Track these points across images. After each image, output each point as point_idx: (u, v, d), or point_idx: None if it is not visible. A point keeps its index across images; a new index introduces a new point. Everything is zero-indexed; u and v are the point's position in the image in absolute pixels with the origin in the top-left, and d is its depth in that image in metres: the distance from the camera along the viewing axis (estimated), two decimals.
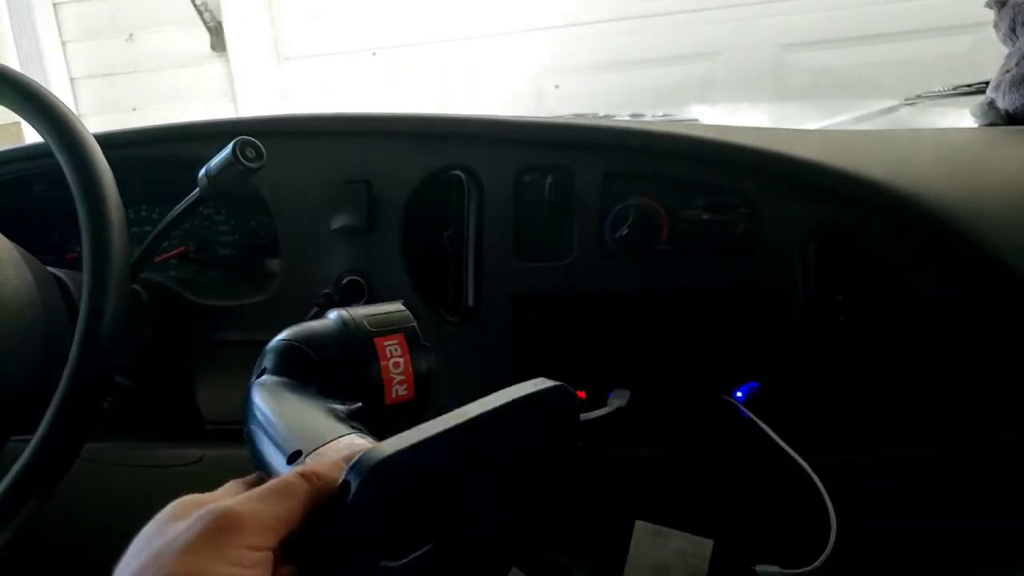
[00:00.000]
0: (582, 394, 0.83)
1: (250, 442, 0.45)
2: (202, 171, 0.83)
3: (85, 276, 0.69)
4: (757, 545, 0.77)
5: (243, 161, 0.80)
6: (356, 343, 0.51)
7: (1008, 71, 0.96)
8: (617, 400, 0.81)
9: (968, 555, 0.75)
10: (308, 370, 0.50)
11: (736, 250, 0.78)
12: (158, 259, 1.01)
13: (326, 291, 0.86)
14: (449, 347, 0.85)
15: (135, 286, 0.92)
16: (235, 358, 0.96)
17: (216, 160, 0.81)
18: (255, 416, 0.46)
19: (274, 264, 1.00)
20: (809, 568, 0.72)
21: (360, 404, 0.48)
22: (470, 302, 0.84)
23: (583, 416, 0.79)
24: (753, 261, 0.77)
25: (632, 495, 0.81)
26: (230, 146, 0.80)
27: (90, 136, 0.72)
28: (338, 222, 0.88)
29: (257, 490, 0.35)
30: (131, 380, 0.91)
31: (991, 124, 0.97)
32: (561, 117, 0.86)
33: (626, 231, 0.80)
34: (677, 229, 0.80)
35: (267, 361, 0.50)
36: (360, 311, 0.54)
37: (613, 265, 0.81)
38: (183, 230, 1.05)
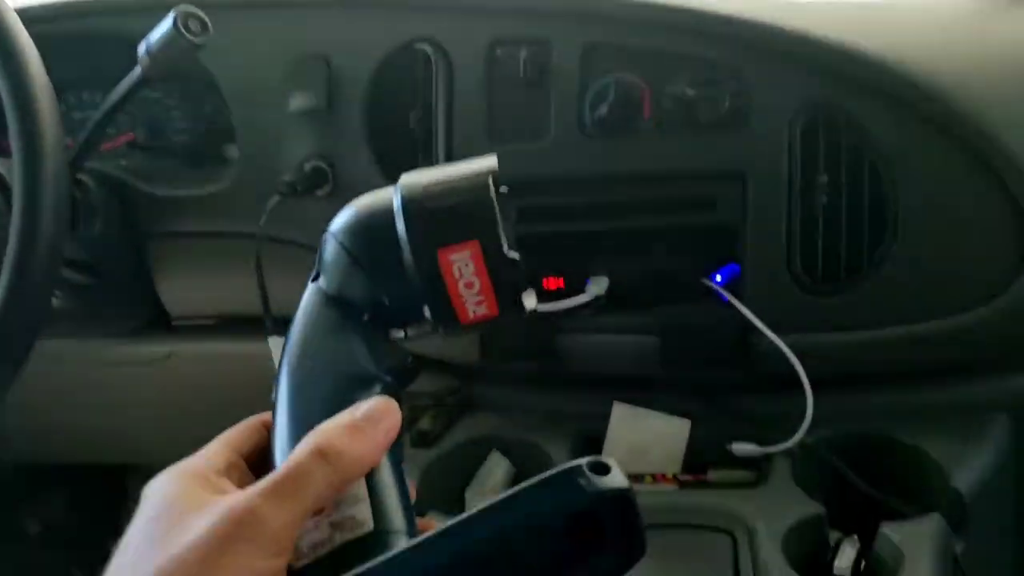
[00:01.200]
0: (560, 281, 0.81)
1: (277, 375, 0.39)
2: (142, 47, 0.76)
3: (16, 170, 0.64)
4: (735, 425, 0.77)
5: (185, 34, 0.73)
6: (417, 256, 0.38)
7: None
8: (595, 287, 0.78)
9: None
10: (362, 289, 0.40)
11: (722, 128, 0.74)
12: (104, 147, 0.95)
13: (286, 179, 0.81)
14: None
15: (81, 176, 0.86)
16: (197, 250, 0.92)
17: (156, 35, 0.75)
18: (288, 346, 0.40)
19: (232, 150, 0.95)
20: (783, 445, 0.73)
21: (410, 358, 0.42)
22: None
23: (559, 304, 0.77)
24: (740, 140, 0.74)
25: (611, 379, 0.81)
26: (170, 17, 0.73)
27: (9, 9, 0.66)
28: (296, 103, 0.82)
29: (272, 482, 0.31)
30: (85, 276, 0.86)
31: None
32: None
33: (606, 109, 0.75)
34: (660, 106, 0.76)
35: (320, 262, 0.42)
36: (425, 182, 0.40)
37: (593, 146, 0.76)
38: (131, 115, 0.98)
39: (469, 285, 0.38)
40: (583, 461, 0.29)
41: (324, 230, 0.43)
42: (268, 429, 0.38)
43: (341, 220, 0.42)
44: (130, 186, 0.90)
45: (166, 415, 1.04)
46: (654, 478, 0.77)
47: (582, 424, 0.79)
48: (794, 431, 0.72)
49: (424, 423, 0.80)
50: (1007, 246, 0.71)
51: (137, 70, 0.78)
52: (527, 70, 0.77)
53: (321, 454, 0.32)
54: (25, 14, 0.71)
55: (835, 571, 0.65)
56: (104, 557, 0.32)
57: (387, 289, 0.40)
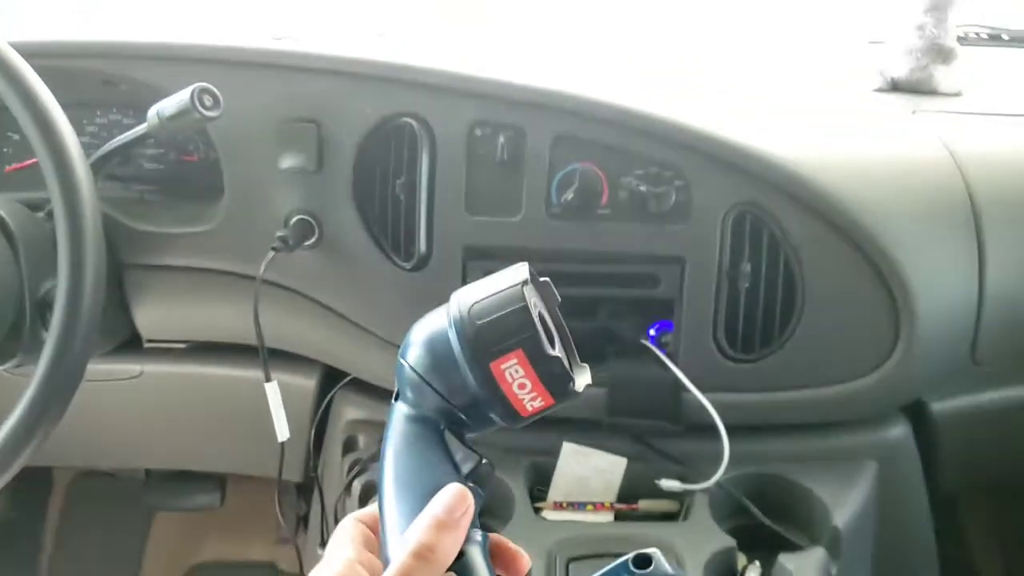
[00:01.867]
0: None
1: (379, 485, 0.47)
2: (153, 110, 0.83)
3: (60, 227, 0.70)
4: (663, 465, 0.92)
5: (200, 109, 0.80)
6: (473, 371, 0.44)
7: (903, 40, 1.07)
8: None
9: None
10: (435, 403, 0.46)
11: (667, 219, 0.88)
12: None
13: (281, 234, 0.89)
14: (399, 292, 0.92)
15: None
16: (177, 282, 0.99)
17: (171, 103, 0.81)
18: (383, 460, 0.47)
19: (204, 183, 1.00)
20: (703, 485, 0.88)
21: (484, 461, 0.46)
22: (422, 250, 0.90)
23: None
24: (682, 230, 0.87)
25: (562, 420, 0.93)
26: (188, 92, 0.80)
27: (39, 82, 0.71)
28: (287, 162, 0.90)
29: (395, 570, 0.40)
30: None
31: (880, 90, 1.10)
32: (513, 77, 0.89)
33: (571, 195, 0.87)
34: (617, 196, 0.88)
35: (398, 384, 0.48)
36: (469, 302, 0.46)
37: (558, 225, 0.89)
38: (98, 141, 1.03)
39: (522, 386, 0.44)
40: (629, 558, 0.40)
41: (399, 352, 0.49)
42: (368, 525, 0.47)
43: (408, 346, 0.48)
44: (112, 219, 0.96)
45: (136, 427, 1.11)
46: (594, 506, 0.91)
47: (536, 459, 0.92)
48: (712, 471, 0.87)
49: None
50: (885, 329, 0.88)
51: (143, 128, 0.84)
52: (503, 152, 0.88)
53: (418, 554, 0.41)
54: (22, 48, 0.75)
55: None
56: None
57: (456, 401, 0.46)
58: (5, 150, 1.04)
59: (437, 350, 0.46)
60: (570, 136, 0.88)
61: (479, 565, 0.44)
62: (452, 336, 0.45)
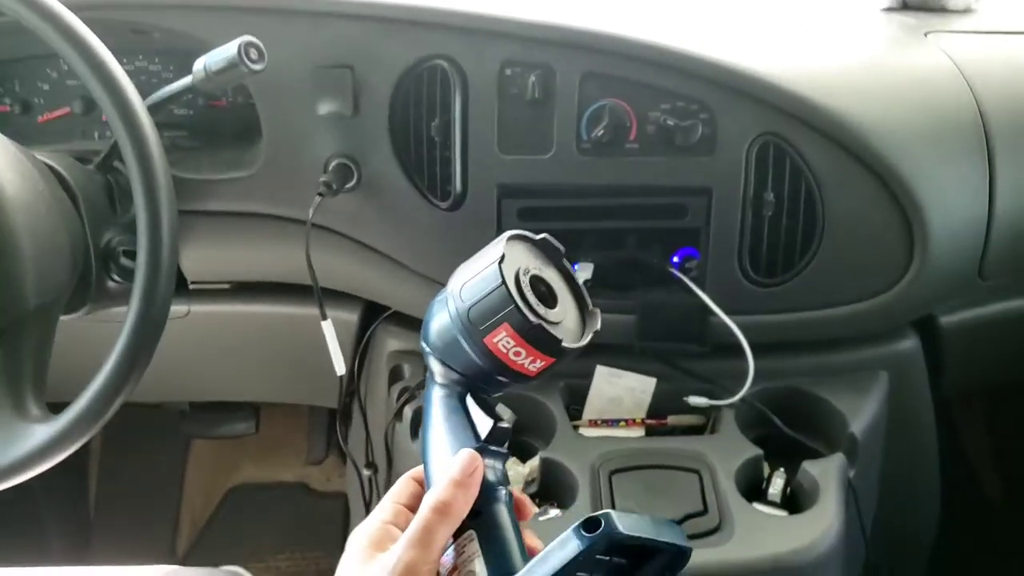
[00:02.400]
0: None
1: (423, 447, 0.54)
2: (199, 64, 0.85)
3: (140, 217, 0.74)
4: (691, 383, 0.98)
5: (247, 63, 0.83)
6: (472, 349, 0.50)
7: None
8: (583, 273, 0.96)
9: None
10: (454, 376, 0.53)
11: (694, 152, 0.92)
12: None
13: (324, 179, 0.92)
14: (437, 231, 0.96)
15: (116, 163, 0.94)
16: (219, 227, 1.03)
17: (217, 57, 0.83)
18: (423, 428, 0.54)
19: (238, 128, 1.03)
20: (729, 400, 0.95)
21: (499, 424, 0.52)
22: (458, 189, 0.94)
23: None
24: (708, 162, 0.92)
25: (595, 346, 0.99)
26: (235, 45, 0.82)
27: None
28: (324, 108, 0.93)
29: (412, 533, 0.47)
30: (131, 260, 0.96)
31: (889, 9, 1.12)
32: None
33: (601, 131, 0.91)
34: (645, 131, 0.92)
35: (427, 364, 0.55)
36: (459, 288, 0.51)
37: (588, 161, 0.92)
38: None
39: (518, 354, 0.50)
40: (578, 523, 0.45)
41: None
42: (416, 480, 0.54)
43: (426, 331, 0.54)
44: None
45: (181, 364, 1.16)
46: (626, 423, 0.98)
47: (571, 381, 0.99)
48: (737, 388, 0.93)
49: None
50: (899, 250, 0.93)
51: (188, 79, 0.87)
52: (534, 91, 0.91)
53: (437, 509, 0.48)
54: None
55: (768, 497, 0.88)
56: None
57: (470, 373, 0.52)
58: (37, 100, 1.06)
59: (443, 334, 0.52)
60: (598, 73, 0.91)
61: (500, 517, 0.51)
62: (450, 320, 0.51)
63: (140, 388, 1.27)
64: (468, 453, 0.50)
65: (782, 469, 0.91)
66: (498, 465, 0.52)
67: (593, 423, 0.98)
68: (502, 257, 0.50)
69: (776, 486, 0.89)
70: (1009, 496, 1.50)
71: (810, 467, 0.88)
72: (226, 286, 1.09)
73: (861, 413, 0.94)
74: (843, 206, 0.92)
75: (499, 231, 0.95)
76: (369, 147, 0.95)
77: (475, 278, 0.51)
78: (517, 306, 0.49)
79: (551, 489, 0.90)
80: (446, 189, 0.95)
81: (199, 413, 1.57)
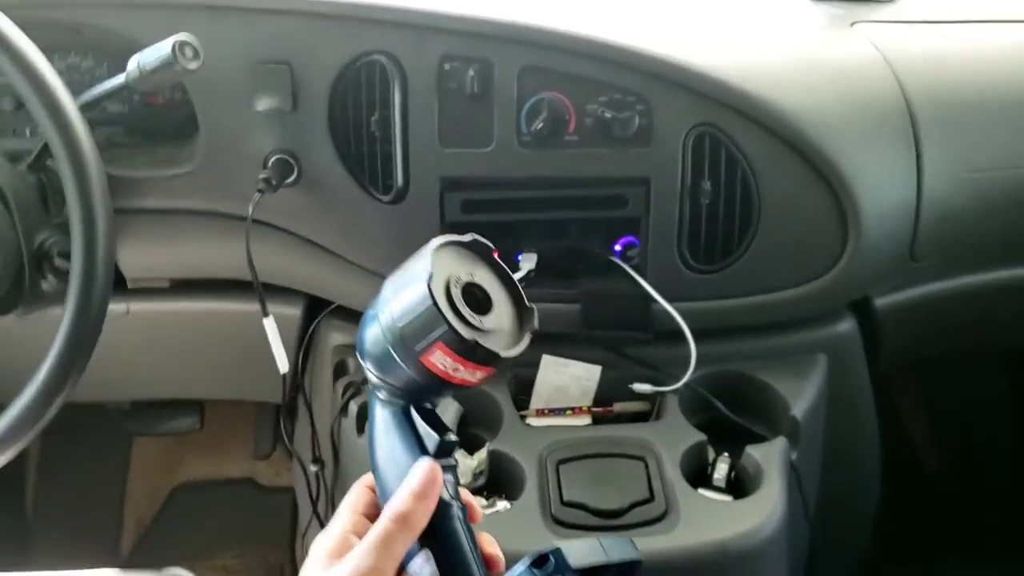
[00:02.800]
0: (496, 254, 0.98)
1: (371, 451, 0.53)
2: (133, 63, 0.83)
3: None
4: (635, 370, 1.00)
5: (181, 62, 0.81)
6: (409, 367, 0.49)
7: None
8: (527, 263, 0.97)
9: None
10: (395, 392, 0.52)
11: (632, 143, 0.93)
12: None
13: (264, 175, 0.91)
14: (379, 224, 0.96)
15: (48, 162, 0.92)
16: (157, 224, 1.01)
17: (151, 56, 0.82)
18: (369, 442, 0.53)
19: (175, 124, 1.02)
20: (673, 386, 0.96)
21: (444, 438, 0.51)
22: (400, 183, 0.94)
23: None
24: (646, 153, 0.93)
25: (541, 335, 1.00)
26: (169, 44, 0.81)
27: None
28: (262, 104, 0.92)
29: (370, 542, 0.47)
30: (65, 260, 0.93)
31: None
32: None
33: (540, 124, 0.91)
34: (583, 123, 0.93)
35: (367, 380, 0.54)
36: (392, 309, 0.50)
37: (528, 153, 0.93)
38: None
39: (456, 369, 0.48)
40: (528, 559, 0.46)
41: None
42: (373, 489, 0.53)
43: (361, 350, 0.52)
44: None
45: (122, 362, 1.14)
46: (572, 411, 0.99)
47: (517, 371, 0.99)
48: (681, 373, 0.95)
49: None
50: (834, 235, 0.96)
51: (121, 78, 0.85)
52: (473, 85, 0.91)
53: (396, 520, 0.48)
54: None
55: (713, 483, 0.90)
56: None
57: (410, 389, 0.51)
58: None
59: (379, 353, 0.51)
60: (537, 67, 0.92)
61: (456, 536, 0.50)
62: (383, 337, 0.50)
63: (80, 388, 1.24)
64: (428, 464, 0.50)
65: (726, 454, 0.92)
66: (449, 479, 0.51)
67: (540, 412, 0.99)
68: (430, 276, 0.48)
69: (721, 471, 0.91)
70: (945, 465, 1.55)
71: (753, 451, 0.90)
72: (166, 284, 1.07)
73: (802, 396, 0.97)
74: (778, 193, 0.94)
75: (442, 223, 0.95)
76: (309, 142, 0.94)
77: (404, 295, 0.49)
78: (451, 326, 0.47)
79: (500, 481, 0.91)
80: (388, 183, 0.94)
81: (142, 411, 1.54)
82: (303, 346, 1.11)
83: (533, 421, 0.98)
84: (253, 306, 0.97)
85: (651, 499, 0.84)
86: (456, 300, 0.49)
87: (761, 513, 0.83)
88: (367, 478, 0.54)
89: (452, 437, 0.51)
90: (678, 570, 0.80)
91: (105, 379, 1.19)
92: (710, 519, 0.83)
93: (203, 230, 1.01)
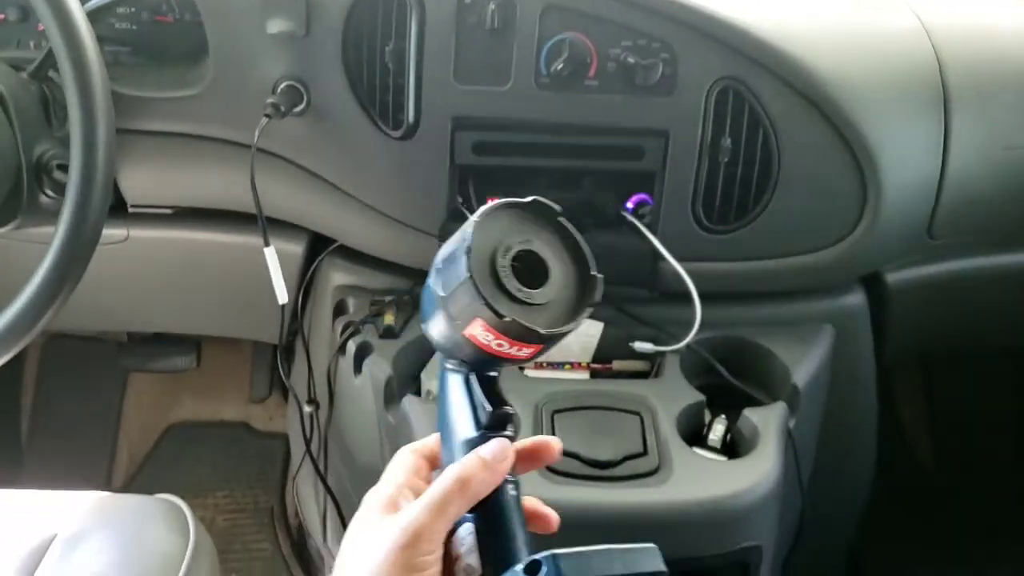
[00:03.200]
0: None
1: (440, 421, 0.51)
2: None
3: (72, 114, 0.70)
4: (637, 328, 0.98)
5: None
6: (459, 340, 0.47)
7: None
8: None
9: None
10: (455, 361, 0.50)
11: (654, 92, 0.90)
12: None
13: (271, 100, 0.89)
14: (387, 161, 0.93)
15: (51, 74, 0.90)
16: (162, 147, 0.99)
17: None
18: (439, 403, 0.52)
19: (184, 46, 1.00)
20: (675, 346, 0.94)
21: (499, 410, 0.49)
22: (411, 118, 0.91)
23: None
24: (667, 104, 0.90)
25: None
26: None
27: None
28: (275, 27, 0.89)
29: (427, 501, 0.46)
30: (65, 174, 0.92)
31: None
32: None
33: (560, 65, 0.89)
34: (605, 68, 0.90)
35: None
36: (440, 286, 0.47)
37: (546, 96, 0.90)
38: None
39: (500, 344, 0.46)
40: (520, 565, 0.43)
41: None
42: (425, 456, 0.51)
43: (422, 315, 0.50)
44: None
45: (119, 291, 1.12)
46: (571, 365, 0.98)
47: None
48: (683, 335, 0.93)
49: (388, 318, 0.96)
50: (852, 203, 0.93)
51: None
52: (493, 20, 0.89)
53: (459, 481, 0.46)
54: None
55: (709, 443, 0.89)
56: None
57: (466, 359, 0.50)
58: None
59: (432, 322, 0.49)
60: (560, 5, 0.89)
61: (506, 506, 0.48)
62: (434, 309, 0.48)
63: (77, 315, 1.23)
64: (503, 443, 0.48)
65: (723, 416, 0.91)
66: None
67: (539, 365, 0.97)
68: (468, 248, 0.46)
69: (717, 432, 0.89)
70: (941, 463, 1.53)
71: (751, 414, 0.89)
72: (167, 211, 1.05)
73: (804, 364, 0.95)
74: (799, 156, 0.91)
75: (452, 164, 0.93)
76: (320, 70, 0.91)
77: (447, 266, 0.47)
78: (486, 302, 0.45)
79: None
80: (398, 118, 0.92)
81: (138, 346, 1.53)
82: (303, 285, 1.09)
83: (531, 373, 0.96)
84: (255, 240, 0.95)
85: (644, 453, 0.83)
86: (501, 272, 0.46)
87: (755, 474, 0.82)
88: (416, 445, 0.52)
89: (508, 410, 0.49)
90: (668, 525, 0.78)
91: (102, 308, 1.18)
92: (703, 477, 0.81)
93: (208, 157, 0.99)
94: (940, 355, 1.46)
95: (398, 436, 0.91)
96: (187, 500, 0.93)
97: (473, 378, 0.50)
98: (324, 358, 1.05)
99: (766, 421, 0.88)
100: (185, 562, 0.84)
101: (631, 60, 0.89)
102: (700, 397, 0.90)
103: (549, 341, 0.47)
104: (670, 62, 0.89)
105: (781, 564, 1.00)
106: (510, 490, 0.48)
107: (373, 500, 0.48)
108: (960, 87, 0.96)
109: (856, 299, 1.03)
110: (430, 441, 0.52)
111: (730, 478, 0.82)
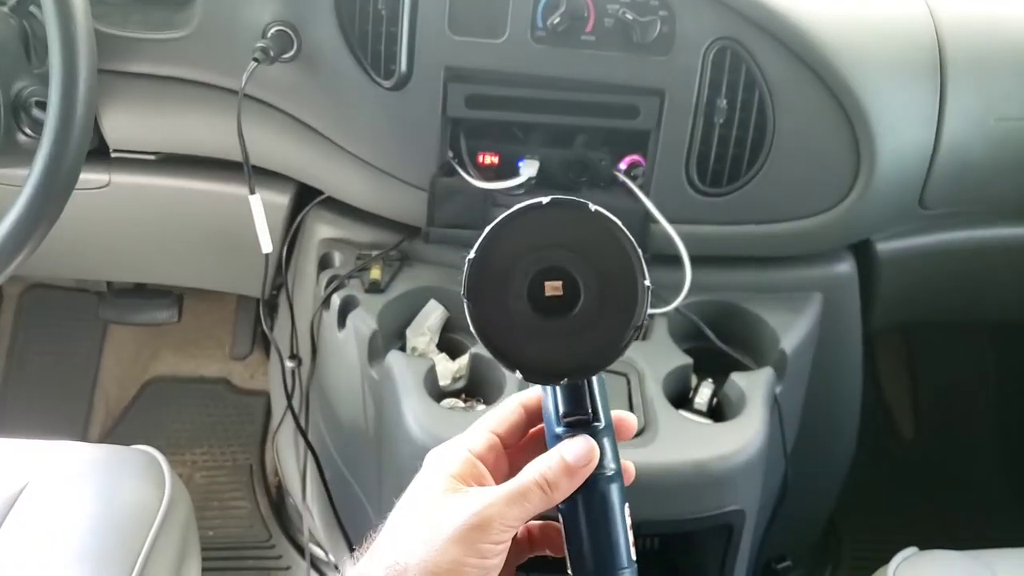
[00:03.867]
0: (495, 159, 0.94)
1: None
2: None
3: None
4: None
5: None
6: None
7: None
8: (528, 170, 0.93)
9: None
10: None
11: (651, 50, 0.88)
12: None
13: (260, 45, 0.87)
14: (378, 111, 0.92)
15: (32, 9, 0.87)
16: (146, 90, 0.96)
17: None
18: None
19: None
20: (664, 309, 0.94)
21: (577, 417, 0.45)
22: (403, 69, 0.89)
23: (498, 185, 0.92)
24: (664, 62, 0.89)
25: None
26: None
27: None
28: None
29: (506, 492, 0.43)
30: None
31: None
32: None
33: (557, 19, 0.87)
34: (602, 23, 0.88)
35: None
36: None
37: (542, 50, 0.89)
38: None
39: None
40: None
41: None
42: (525, 409, 0.48)
43: None
44: None
45: (100, 239, 1.10)
46: None
47: None
48: (673, 298, 0.92)
49: (374, 273, 0.94)
50: (845, 170, 0.92)
51: None
52: None
53: (539, 484, 0.43)
54: None
55: (695, 406, 0.88)
56: None
57: None
58: None
59: None
60: None
61: (600, 504, 0.44)
62: None
63: (55, 263, 1.21)
64: (587, 443, 0.44)
65: (710, 380, 0.91)
66: (606, 445, 0.45)
67: None
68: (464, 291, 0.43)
69: (703, 395, 0.89)
70: (921, 434, 1.55)
71: (738, 379, 0.88)
72: (151, 157, 1.03)
73: (793, 330, 0.95)
74: (794, 120, 0.90)
75: (443, 116, 0.91)
76: (311, 15, 0.89)
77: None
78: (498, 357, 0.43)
79: (479, 384, 0.89)
80: (390, 67, 0.90)
81: (118, 297, 1.51)
82: (289, 238, 1.07)
83: None
84: (240, 189, 0.93)
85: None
86: (514, 306, 0.42)
87: (741, 438, 0.82)
88: (525, 397, 0.48)
89: (587, 414, 0.45)
90: (652, 486, 0.78)
91: (82, 255, 1.16)
92: (689, 439, 0.81)
93: (194, 102, 0.97)
94: (924, 328, 1.46)
95: (381, 392, 0.90)
96: (165, 456, 0.92)
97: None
98: (308, 313, 1.04)
99: (753, 386, 0.88)
100: (160, 513, 0.82)
101: (629, 17, 0.87)
102: (687, 360, 0.90)
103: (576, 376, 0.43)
104: (668, 20, 0.88)
105: (764, 528, 1.00)
106: (603, 480, 0.44)
107: (441, 464, 0.45)
108: (956, 57, 0.95)
109: (846, 267, 1.02)
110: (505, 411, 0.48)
111: (715, 441, 0.82)
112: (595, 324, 0.42)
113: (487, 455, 0.46)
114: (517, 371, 0.43)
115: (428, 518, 0.43)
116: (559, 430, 0.45)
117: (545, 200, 0.42)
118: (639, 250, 0.42)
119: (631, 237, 0.42)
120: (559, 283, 0.42)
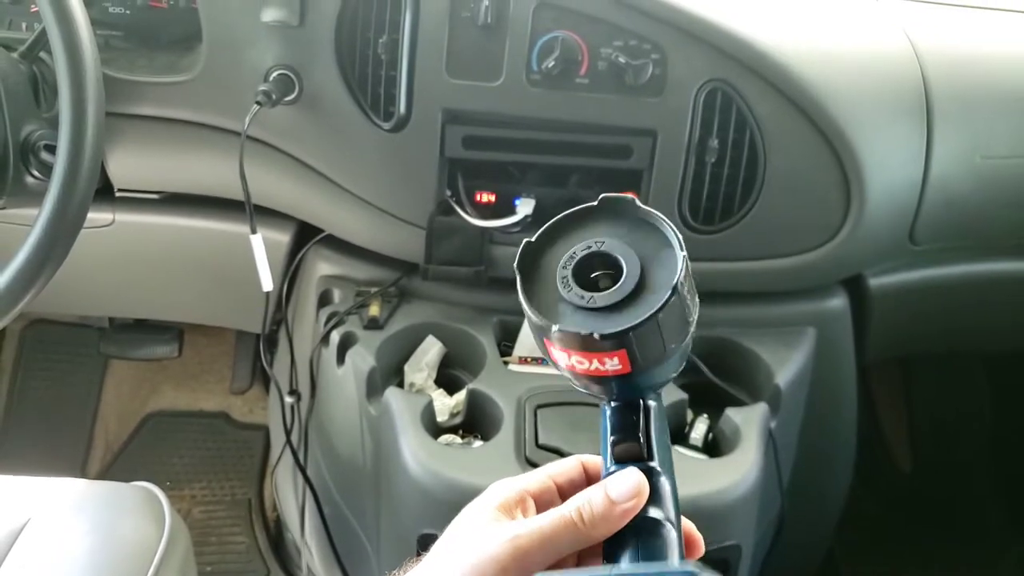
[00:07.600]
0: (492, 198, 0.96)
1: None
2: None
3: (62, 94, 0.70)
4: None
5: None
6: (567, 377, 0.45)
7: None
8: (524, 208, 0.95)
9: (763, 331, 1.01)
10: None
11: (643, 92, 0.91)
12: None
13: (263, 88, 0.89)
14: (377, 152, 0.94)
15: (43, 55, 0.89)
16: (151, 132, 0.99)
17: None
18: None
19: (176, 32, 1.00)
20: None
21: (621, 445, 0.44)
22: (402, 111, 0.92)
23: (496, 223, 0.93)
24: (656, 104, 0.91)
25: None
26: None
27: None
28: (269, 15, 0.89)
29: (550, 521, 0.42)
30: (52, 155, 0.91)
31: None
32: None
33: (552, 63, 0.89)
34: (596, 67, 0.90)
35: None
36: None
37: (537, 92, 0.91)
38: None
39: (580, 362, 0.43)
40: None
41: None
42: (585, 467, 0.48)
43: None
44: None
45: (103, 276, 1.12)
46: None
47: (504, 317, 0.98)
48: None
49: (373, 310, 0.96)
50: (836, 208, 0.94)
51: None
52: (487, 16, 0.89)
53: (577, 517, 0.41)
54: None
55: (690, 441, 0.89)
56: None
57: (592, 392, 0.47)
58: None
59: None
60: (553, 4, 0.89)
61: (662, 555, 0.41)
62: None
63: (59, 299, 1.23)
64: (636, 479, 0.42)
65: (705, 415, 0.92)
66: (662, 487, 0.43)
67: (523, 360, 0.98)
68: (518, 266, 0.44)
69: (699, 431, 0.90)
70: (919, 466, 1.55)
71: (733, 414, 0.89)
72: (155, 196, 1.05)
73: (787, 366, 0.96)
74: (784, 159, 0.92)
75: (441, 157, 0.93)
76: (313, 60, 0.91)
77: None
78: (531, 320, 0.43)
79: (477, 420, 0.90)
80: (389, 110, 0.92)
81: (119, 333, 1.52)
82: (289, 274, 1.09)
83: (515, 368, 0.96)
84: (242, 227, 0.95)
85: None
86: (560, 284, 0.43)
87: (736, 473, 0.82)
88: (586, 457, 0.48)
89: (630, 443, 0.43)
90: None
91: (85, 292, 1.18)
92: (684, 474, 0.78)
93: (197, 143, 0.99)
94: (919, 359, 1.47)
95: (379, 428, 0.91)
96: (163, 491, 0.93)
97: (607, 408, 0.46)
98: (307, 349, 1.05)
99: (748, 421, 0.89)
100: (160, 551, 0.83)
101: (621, 60, 0.90)
102: (682, 395, 0.91)
103: (623, 339, 0.41)
104: (660, 63, 0.90)
105: (760, 563, 1.01)
106: (658, 530, 0.41)
107: (493, 495, 0.45)
108: (941, 95, 0.97)
109: (838, 302, 1.04)
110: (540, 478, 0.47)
111: (711, 477, 0.82)
112: (638, 294, 0.43)
113: (541, 495, 0.46)
114: (556, 331, 0.41)
115: (465, 544, 0.42)
116: (612, 468, 0.43)
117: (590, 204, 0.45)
118: (677, 232, 0.44)
119: (670, 223, 0.45)
120: (604, 267, 0.44)
